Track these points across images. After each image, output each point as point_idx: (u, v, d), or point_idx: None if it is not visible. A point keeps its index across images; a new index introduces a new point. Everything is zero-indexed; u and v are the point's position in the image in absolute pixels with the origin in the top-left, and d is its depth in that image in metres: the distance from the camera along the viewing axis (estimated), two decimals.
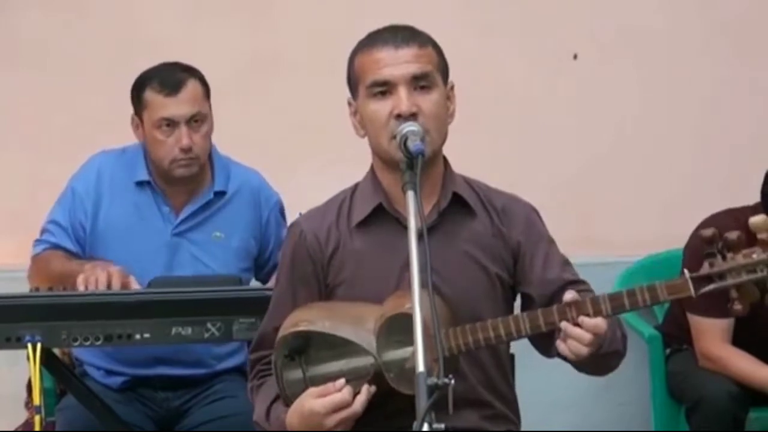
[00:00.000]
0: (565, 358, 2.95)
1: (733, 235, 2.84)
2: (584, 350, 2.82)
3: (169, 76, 4.01)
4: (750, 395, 4.49)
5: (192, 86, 4.01)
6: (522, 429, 3.18)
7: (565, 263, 3.16)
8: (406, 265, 2.79)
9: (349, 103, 3.08)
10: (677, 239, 4.56)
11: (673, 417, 4.71)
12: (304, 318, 2.98)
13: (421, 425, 2.45)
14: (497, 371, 3.11)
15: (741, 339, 4.56)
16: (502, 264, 3.08)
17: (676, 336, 4.74)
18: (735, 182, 4.53)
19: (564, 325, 2.83)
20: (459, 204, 3.09)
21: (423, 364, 2.53)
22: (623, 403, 4.97)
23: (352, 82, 3.05)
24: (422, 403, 2.48)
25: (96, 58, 4.84)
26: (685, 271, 2.86)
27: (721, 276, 2.84)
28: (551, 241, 3.16)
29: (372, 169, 3.11)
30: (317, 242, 3.07)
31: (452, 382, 2.53)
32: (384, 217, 3.06)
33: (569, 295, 2.87)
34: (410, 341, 2.71)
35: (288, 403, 2.95)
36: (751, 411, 4.50)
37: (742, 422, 4.47)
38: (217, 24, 4.94)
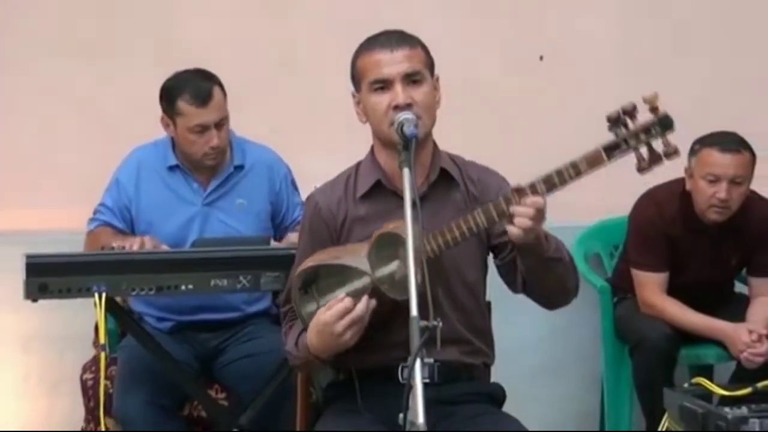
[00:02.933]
0: (526, 284, 3.01)
1: (628, 105, 2.83)
2: (528, 223, 2.80)
3: (198, 88, 3.99)
4: (681, 336, 4.50)
5: (216, 95, 4.00)
6: (496, 363, 3.19)
7: None
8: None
9: (353, 96, 3.08)
10: (623, 207, 4.60)
11: (619, 354, 4.70)
12: (313, 258, 3.02)
13: (414, 360, 2.46)
14: (476, 314, 3.12)
15: (673, 289, 4.57)
16: None
17: (622, 287, 4.74)
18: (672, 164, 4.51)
19: (513, 208, 2.82)
20: (445, 177, 3.10)
21: (416, 310, 2.54)
22: (579, 342, 4.93)
23: (356, 79, 3.06)
24: (415, 341, 2.50)
25: (141, 55, 4.80)
26: (599, 145, 2.85)
27: (626, 141, 2.84)
28: None
29: (372, 150, 3.13)
30: (330, 212, 3.10)
31: (440, 324, 2.54)
32: (382, 190, 3.07)
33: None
34: (396, 254, 2.84)
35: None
36: (682, 349, 4.51)
37: (674, 358, 4.49)
38: (242, 26, 4.89)
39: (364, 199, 3.09)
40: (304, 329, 3.00)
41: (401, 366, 2.67)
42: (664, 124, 2.84)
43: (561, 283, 3.04)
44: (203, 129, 3.99)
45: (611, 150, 2.85)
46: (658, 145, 2.85)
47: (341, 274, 2.95)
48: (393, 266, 2.89)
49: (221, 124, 4.01)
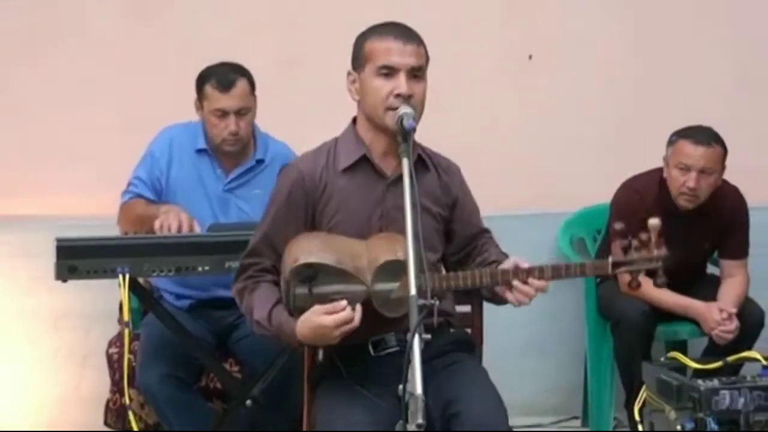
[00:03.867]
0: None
1: (644, 236, 3.01)
2: (527, 301, 2.95)
3: (225, 76, 4.02)
4: (658, 314, 4.50)
5: (240, 85, 4.02)
6: (487, 340, 3.26)
7: (477, 210, 3.29)
8: (378, 202, 3.02)
9: (349, 74, 3.06)
10: (605, 194, 4.58)
11: (601, 331, 4.71)
12: (313, 250, 2.96)
13: (413, 336, 2.47)
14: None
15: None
16: (444, 207, 3.17)
17: None
18: (648, 149, 4.52)
19: (516, 282, 2.94)
20: (420, 162, 3.10)
21: (414, 289, 2.57)
22: (564, 321, 4.93)
23: (360, 59, 3.03)
24: (414, 319, 2.51)
25: (163, 54, 4.82)
26: (610, 258, 3.03)
27: (630, 263, 3.04)
28: (470, 194, 3.28)
29: (353, 126, 3.12)
30: (312, 181, 3.07)
31: (437, 302, 2.60)
32: (364, 165, 3.06)
33: (511, 261, 2.99)
34: (396, 280, 2.86)
35: (293, 314, 2.94)
36: (658, 326, 4.52)
37: (651, 334, 4.50)
38: (255, 31, 4.91)
39: (345, 171, 3.07)
40: (279, 301, 2.99)
41: (370, 340, 2.78)
42: (665, 260, 3.04)
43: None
44: (224, 114, 4.01)
45: (617, 266, 3.03)
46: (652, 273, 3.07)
47: (339, 276, 2.93)
48: (391, 286, 2.89)
49: (242, 113, 4.03)
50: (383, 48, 2.99)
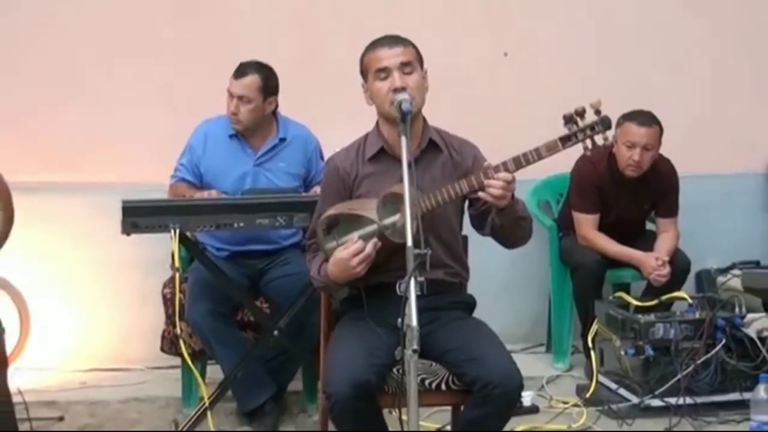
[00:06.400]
0: (494, 231, 3.00)
1: (580, 108, 2.87)
2: (498, 192, 2.83)
3: (243, 68, 4.03)
4: (607, 261, 4.52)
5: (250, 78, 4.01)
6: (470, 281, 3.20)
7: None
8: (398, 181, 2.82)
9: (362, 85, 3.07)
10: (566, 165, 4.57)
11: (562, 275, 4.72)
12: (331, 209, 3.01)
13: (409, 279, 2.50)
14: (455, 246, 3.13)
15: (602, 227, 4.58)
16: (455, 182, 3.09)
17: (565, 225, 4.75)
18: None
19: (486, 181, 2.84)
20: (433, 145, 3.09)
21: (411, 240, 2.57)
22: (532, 266, 4.87)
23: (364, 72, 3.05)
24: (410, 265, 2.53)
25: (203, 51, 4.78)
26: (557, 137, 2.89)
27: (577, 135, 2.88)
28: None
29: (377, 125, 3.12)
30: (345, 171, 3.08)
31: (429, 251, 2.59)
32: (385, 154, 3.06)
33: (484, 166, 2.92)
34: (398, 209, 2.83)
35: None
36: (607, 271, 4.54)
37: (602, 278, 4.53)
38: (280, 32, 4.87)
39: (371, 161, 3.07)
40: (326, 260, 2.99)
41: (398, 282, 2.60)
42: (605, 123, 2.89)
43: (522, 233, 3.04)
44: (230, 96, 4.04)
45: (566, 141, 2.89)
46: (599, 138, 2.90)
47: (356, 222, 2.94)
48: (395, 218, 2.88)
49: (243, 101, 4.02)
50: (376, 57, 3.00)
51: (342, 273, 2.92)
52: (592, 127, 2.88)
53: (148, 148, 4.66)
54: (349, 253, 2.87)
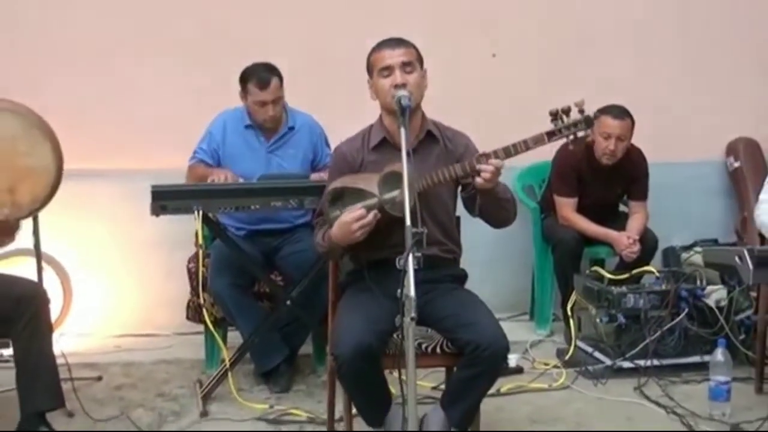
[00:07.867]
0: (481, 212, 2.99)
1: (566, 107, 2.86)
2: (489, 176, 2.84)
3: (262, 77, 3.99)
4: (585, 239, 4.52)
5: (274, 82, 4.00)
6: (461, 256, 3.20)
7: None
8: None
9: (368, 82, 3.06)
10: (548, 153, 4.57)
11: (544, 251, 4.72)
12: (336, 183, 3.01)
13: (408, 255, 2.50)
14: (449, 225, 3.14)
15: (580, 208, 4.58)
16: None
17: (547, 207, 4.75)
18: None
19: (479, 166, 2.84)
20: (430, 136, 3.09)
21: (409, 220, 2.57)
22: (518, 243, 4.85)
23: (369, 69, 3.04)
24: (409, 242, 2.53)
25: (217, 51, 4.74)
26: (543, 131, 2.87)
27: (561, 131, 2.87)
28: (475, 152, 3.13)
29: (380, 117, 3.11)
30: (352, 157, 3.09)
31: (425, 230, 2.58)
32: (387, 144, 3.06)
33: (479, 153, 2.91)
34: (397, 186, 2.81)
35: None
36: (585, 248, 4.54)
37: (580, 254, 4.53)
38: (290, 30, 4.83)
39: (374, 149, 3.07)
40: (329, 227, 2.98)
41: (398, 258, 2.55)
42: (588, 122, 2.88)
43: (507, 214, 3.04)
44: (263, 104, 4.01)
45: (551, 135, 2.88)
46: (581, 133, 2.90)
47: (359, 194, 2.94)
48: (394, 193, 2.88)
49: (276, 102, 4.02)
50: (380, 56, 3.00)
51: (344, 236, 2.90)
52: (575, 124, 2.88)
53: (172, 138, 4.63)
54: (352, 217, 2.87)
